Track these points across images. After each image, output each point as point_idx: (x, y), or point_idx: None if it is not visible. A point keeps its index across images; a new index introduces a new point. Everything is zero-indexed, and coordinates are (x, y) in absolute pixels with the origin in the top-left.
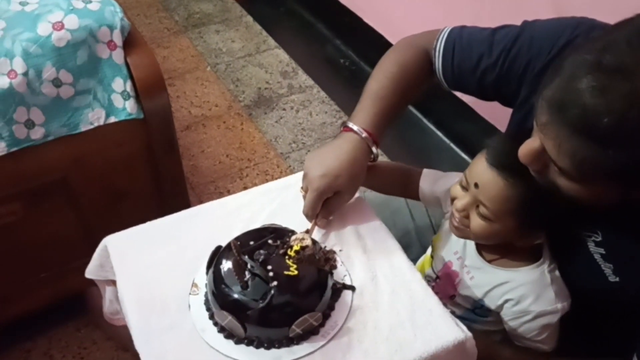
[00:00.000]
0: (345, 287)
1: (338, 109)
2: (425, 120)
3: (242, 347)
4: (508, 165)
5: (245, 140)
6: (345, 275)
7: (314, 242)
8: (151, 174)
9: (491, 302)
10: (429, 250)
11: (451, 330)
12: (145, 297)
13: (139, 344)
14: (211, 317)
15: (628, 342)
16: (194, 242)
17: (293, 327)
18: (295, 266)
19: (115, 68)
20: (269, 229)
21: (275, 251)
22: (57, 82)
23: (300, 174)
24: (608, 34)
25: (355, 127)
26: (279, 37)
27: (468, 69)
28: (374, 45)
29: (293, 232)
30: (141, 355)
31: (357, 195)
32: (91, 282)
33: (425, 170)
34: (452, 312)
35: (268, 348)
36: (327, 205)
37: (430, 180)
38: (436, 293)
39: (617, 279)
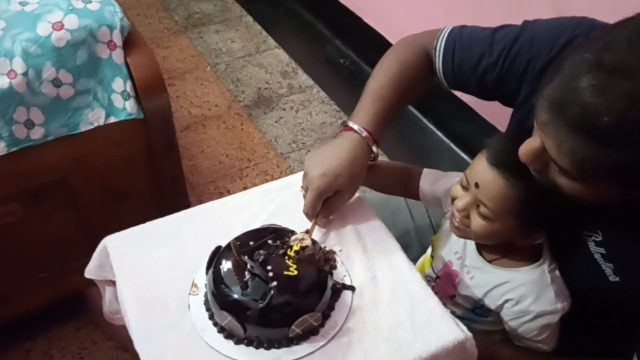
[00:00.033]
0: (345, 287)
1: (338, 109)
2: (425, 120)
3: (242, 347)
4: (508, 165)
5: (245, 140)
6: (345, 276)
7: (313, 242)
8: (151, 174)
9: (491, 302)
10: (429, 250)
11: (451, 330)
12: (144, 297)
13: (138, 344)
14: (211, 317)
15: (628, 342)
16: (194, 242)
17: (293, 327)
18: (295, 266)
19: (115, 68)
20: (268, 229)
21: (275, 251)
22: (56, 82)
23: (300, 174)
24: (608, 33)
25: (355, 127)
26: (279, 37)
27: (468, 68)
28: (373, 45)
29: (293, 232)
30: (141, 356)
31: (357, 195)
32: (91, 282)
33: (425, 170)
34: (452, 312)
35: (268, 348)
36: (327, 204)
37: (431, 180)
38: (436, 293)
39: (618, 279)
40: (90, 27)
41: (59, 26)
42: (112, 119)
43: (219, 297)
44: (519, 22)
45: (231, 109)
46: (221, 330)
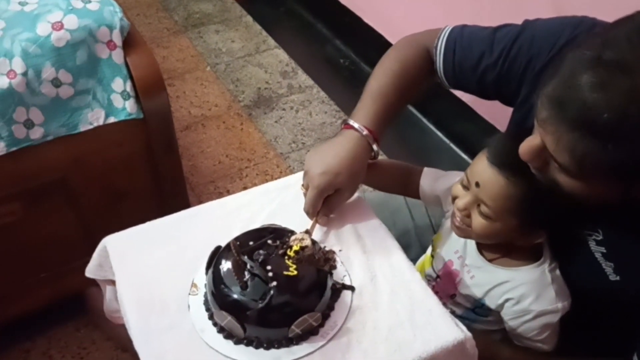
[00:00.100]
0: (345, 287)
1: (338, 109)
2: (425, 120)
3: (242, 347)
4: (509, 164)
5: (245, 141)
6: (344, 276)
7: (313, 242)
8: (151, 174)
9: (491, 302)
10: (429, 249)
11: (451, 331)
12: (144, 298)
13: (138, 344)
14: (210, 317)
15: (628, 342)
16: (194, 243)
17: (292, 327)
18: (294, 266)
19: (115, 68)
20: (268, 229)
21: (275, 251)
22: (56, 82)
23: (300, 174)
24: (608, 31)
25: (356, 125)
26: (279, 37)
27: (469, 67)
28: (373, 45)
29: (292, 232)
30: (140, 356)
31: (356, 195)
32: (91, 282)
33: (425, 169)
34: (452, 312)
35: (267, 348)
36: (327, 202)
37: (431, 179)
38: (436, 292)
39: (618, 278)
40: (89, 27)
41: (58, 26)
42: (112, 119)
43: (219, 297)
44: (519, 22)
45: (231, 109)
46: (221, 330)
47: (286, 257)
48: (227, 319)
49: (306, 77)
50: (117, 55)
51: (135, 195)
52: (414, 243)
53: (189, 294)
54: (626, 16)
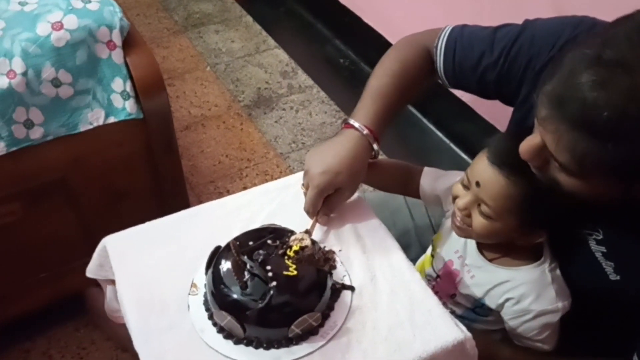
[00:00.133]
0: (345, 287)
1: (338, 109)
2: (425, 120)
3: (241, 347)
4: (509, 164)
5: (245, 141)
6: (344, 276)
7: (313, 242)
8: (150, 174)
9: (492, 301)
10: (429, 249)
11: (450, 331)
12: (144, 298)
13: (138, 344)
14: (210, 317)
15: (628, 342)
16: (193, 243)
17: (292, 327)
18: (294, 266)
19: (115, 68)
20: (268, 229)
21: (275, 251)
22: (56, 82)
23: (299, 174)
24: (608, 30)
25: (356, 124)
26: (279, 37)
27: (469, 67)
28: (373, 45)
29: (292, 232)
30: (140, 356)
31: (356, 194)
32: (91, 282)
33: (426, 169)
34: (453, 312)
35: (267, 348)
36: (328, 202)
37: (431, 179)
38: (437, 292)
39: (618, 278)
40: (89, 27)
41: (58, 26)
42: (112, 119)
43: (219, 297)
44: (519, 22)
45: (231, 109)
46: (220, 330)
47: (286, 257)
48: (226, 319)
49: (306, 77)
50: (117, 55)
51: (135, 195)
52: (414, 243)
53: (189, 294)
54: (626, 15)
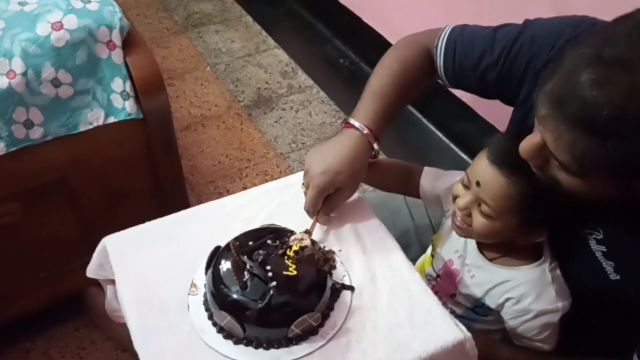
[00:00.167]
0: (345, 287)
1: (338, 109)
2: (425, 120)
3: (241, 347)
4: (509, 163)
5: (245, 141)
6: (344, 276)
7: (313, 242)
8: (150, 174)
9: (492, 301)
10: (429, 249)
11: (450, 331)
12: (144, 298)
13: (137, 344)
14: (210, 317)
15: (628, 342)
16: (193, 243)
17: (292, 327)
18: (294, 266)
19: (115, 68)
20: (268, 229)
21: (275, 251)
22: (56, 82)
23: (299, 174)
24: (608, 29)
25: (356, 124)
26: (279, 37)
27: (469, 66)
28: (373, 45)
29: (292, 233)
30: (140, 356)
31: (356, 195)
32: (91, 282)
33: (426, 168)
34: (453, 312)
35: (267, 348)
36: (328, 201)
37: (431, 178)
38: (437, 292)
39: (618, 277)
40: (89, 27)
41: (58, 26)
42: (112, 119)
43: (218, 297)
44: (519, 22)
45: (231, 109)
46: (220, 330)
47: (286, 257)
48: (226, 319)
49: (306, 77)
50: (117, 55)
51: (135, 195)
52: (414, 243)
53: (189, 294)
54: (626, 14)
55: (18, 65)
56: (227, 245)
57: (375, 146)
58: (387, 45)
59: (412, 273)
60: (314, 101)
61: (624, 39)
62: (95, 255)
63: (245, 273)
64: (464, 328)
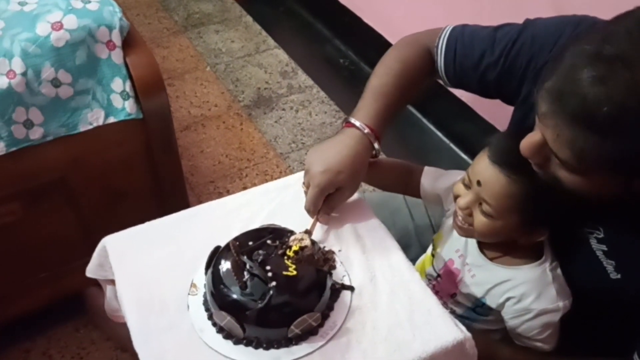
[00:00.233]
0: (344, 287)
1: (337, 109)
2: (425, 120)
3: (241, 347)
4: (510, 162)
5: (245, 141)
6: (344, 276)
7: (312, 242)
8: (150, 174)
9: (492, 301)
10: (430, 248)
11: (450, 331)
12: (144, 298)
13: (137, 344)
14: (210, 317)
15: (628, 342)
16: (193, 243)
17: (292, 327)
18: (294, 266)
19: (114, 68)
20: (268, 229)
21: (274, 251)
22: (56, 82)
23: (299, 174)
24: (608, 26)
25: (357, 123)
26: (279, 37)
27: (470, 66)
28: (373, 45)
29: (292, 233)
30: (140, 356)
31: (356, 195)
32: (90, 282)
33: (426, 168)
34: (453, 311)
35: (267, 348)
36: (328, 201)
37: (432, 178)
38: (437, 291)
39: (619, 276)
40: (89, 27)
41: (58, 26)
42: (111, 119)
43: (218, 297)
44: (519, 22)
45: (231, 109)
46: (220, 330)
47: (285, 257)
48: (226, 319)
49: (306, 77)
50: (117, 56)
51: (135, 195)
52: (414, 243)
53: (189, 294)
54: (626, 12)
55: (18, 65)
56: (227, 245)
57: (376, 145)
58: (387, 45)
59: (412, 273)
60: (314, 101)
61: (625, 36)
62: (94, 255)
63: (245, 273)
64: (463, 328)
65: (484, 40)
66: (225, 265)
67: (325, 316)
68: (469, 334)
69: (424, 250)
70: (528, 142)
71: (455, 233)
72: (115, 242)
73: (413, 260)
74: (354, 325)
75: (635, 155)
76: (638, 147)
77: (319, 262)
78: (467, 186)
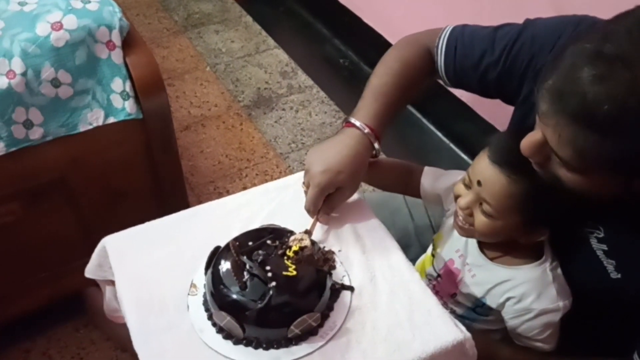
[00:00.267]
0: (344, 287)
1: (337, 109)
2: (424, 120)
3: (241, 347)
4: (510, 162)
5: (245, 141)
6: (344, 276)
7: (312, 242)
8: (150, 174)
9: (492, 301)
10: (430, 248)
11: (450, 331)
12: (143, 298)
13: (137, 344)
14: (210, 317)
15: (628, 342)
16: (193, 243)
17: (292, 327)
18: (294, 267)
19: (114, 68)
20: (267, 230)
21: (274, 251)
22: (55, 83)
23: (299, 174)
24: (608, 25)
25: (357, 123)
26: (279, 37)
27: (470, 66)
28: (373, 45)
29: (292, 233)
30: (139, 356)
31: (356, 195)
32: (90, 283)
33: (426, 168)
34: (453, 311)
35: (267, 349)
36: (328, 201)
37: (432, 178)
38: (437, 291)
39: (619, 276)
40: (89, 27)
41: (57, 26)
42: (111, 119)
43: (218, 298)
44: (519, 22)
45: (231, 109)
46: (220, 330)
47: (285, 258)
48: (226, 319)
49: (306, 77)
50: (117, 56)
51: (135, 195)
52: (414, 243)
53: (188, 294)
54: (626, 11)
55: (18, 66)
56: (227, 245)
57: (376, 145)
58: (387, 45)
59: (412, 273)
60: (313, 101)
61: (625, 35)
62: (94, 256)
63: (245, 273)
64: (463, 328)
65: (484, 40)
66: (225, 266)
67: (325, 316)
68: (468, 334)
69: (424, 250)
70: (528, 142)
71: (455, 233)
72: (115, 242)
73: (413, 260)
74: (353, 325)
75: (635, 154)
76: (638, 146)
77: (318, 262)
78: (468, 186)
